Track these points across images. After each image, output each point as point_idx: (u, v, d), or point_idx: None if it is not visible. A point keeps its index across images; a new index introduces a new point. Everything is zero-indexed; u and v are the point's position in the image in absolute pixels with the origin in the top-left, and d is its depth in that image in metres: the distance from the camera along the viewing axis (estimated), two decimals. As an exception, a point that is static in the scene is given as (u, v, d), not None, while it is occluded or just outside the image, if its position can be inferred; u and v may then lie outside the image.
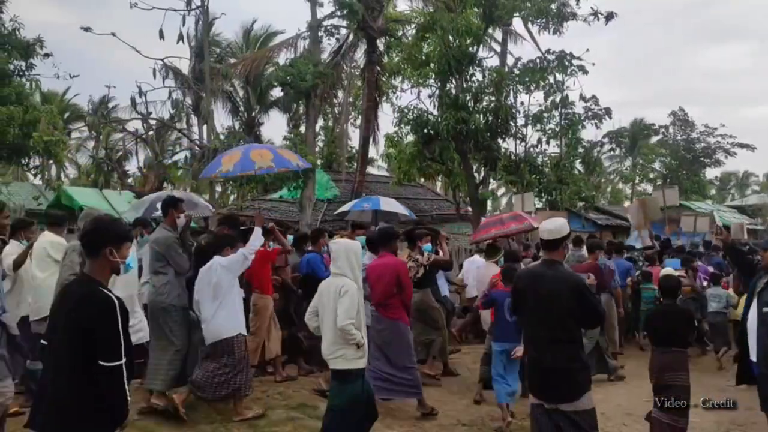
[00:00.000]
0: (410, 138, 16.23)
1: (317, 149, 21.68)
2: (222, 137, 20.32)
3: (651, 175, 36.46)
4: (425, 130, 15.31)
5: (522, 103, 15.78)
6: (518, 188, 15.41)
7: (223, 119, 26.30)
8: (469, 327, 10.44)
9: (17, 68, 14.00)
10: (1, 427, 4.84)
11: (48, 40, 14.10)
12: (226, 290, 5.93)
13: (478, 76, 15.49)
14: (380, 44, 18.39)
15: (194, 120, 24.47)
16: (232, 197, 33.33)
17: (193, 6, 13.75)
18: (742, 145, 33.32)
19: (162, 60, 14.11)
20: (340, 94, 22.55)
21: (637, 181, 36.79)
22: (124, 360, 2.96)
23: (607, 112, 16.51)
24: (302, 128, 22.34)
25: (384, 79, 19.21)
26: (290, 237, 8.82)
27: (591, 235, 14.26)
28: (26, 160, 14.64)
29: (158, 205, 7.37)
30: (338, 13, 15.96)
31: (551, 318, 4.26)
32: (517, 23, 18.20)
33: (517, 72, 15.66)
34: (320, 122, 22.90)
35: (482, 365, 7.16)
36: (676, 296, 5.96)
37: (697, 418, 6.22)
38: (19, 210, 14.20)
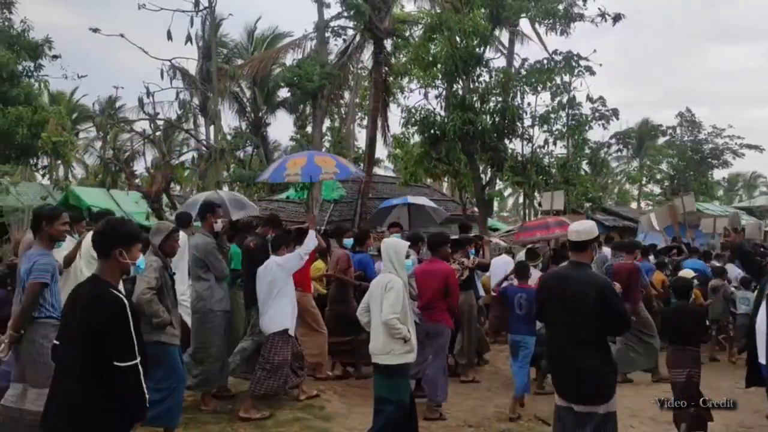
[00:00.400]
0: (417, 139, 16.23)
1: (324, 150, 21.70)
2: (229, 138, 20.41)
3: (658, 176, 36.32)
4: (432, 131, 15.29)
5: (529, 104, 15.74)
6: (525, 189, 15.38)
7: (230, 120, 26.44)
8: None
9: (26, 69, 14.08)
10: None
11: (54, 41, 14.20)
12: (280, 288, 6.27)
13: (485, 76, 15.46)
14: (387, 45, 18.40)
15: (201, 121, 24.61)
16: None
17: (201, 7, 13.78)
18: (750, 146, 33.13)
19: (170, 61, 14.15)
20: (346, 94, 22.58)
21: (644, 182, 36.64)
22: (139, 359, 2.97)
23: (615, 113, 16.49)
24: (309, 129, 22.39)
25: (391, 80, 19.22)
26: (347, 241, 8.98)
27: (608, 237, 14.19)
28: (34, 160, 14.72)
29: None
30: (345, 14, 15.98)
31: (576, 319, 4.24)
32: (523, 24, 18.22)
33: (524, 73, 15.63)
34: (327, 123, 22.94)
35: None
36: (689, 297, 6.15)
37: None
38: (27, 210, 14.26)
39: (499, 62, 18.33)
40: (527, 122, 15.77)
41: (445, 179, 24.09)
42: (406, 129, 15.97)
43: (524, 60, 16.24)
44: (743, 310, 9.59)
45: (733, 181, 47.98)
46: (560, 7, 14.56)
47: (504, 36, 19.73)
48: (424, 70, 15.31)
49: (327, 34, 16.62)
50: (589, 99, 16.08)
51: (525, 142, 15.99)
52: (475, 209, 17.44)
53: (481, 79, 15.43)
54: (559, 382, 4.49)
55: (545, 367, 7.07)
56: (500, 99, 15.26)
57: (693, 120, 34.11)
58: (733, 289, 10.19)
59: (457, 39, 14.47)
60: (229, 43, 26.11)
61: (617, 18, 14.83)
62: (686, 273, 8.25)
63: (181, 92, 17.37)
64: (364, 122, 23.86)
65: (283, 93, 22.95)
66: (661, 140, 37.53)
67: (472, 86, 15.29)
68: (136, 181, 17.55)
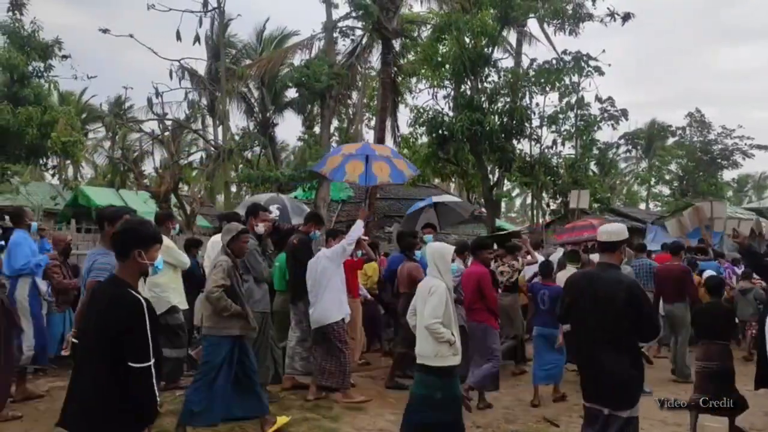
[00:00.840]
0: (425, 139, 16.22)
1: (331, 150, 21.72)
2: (237, 138, 20.46)
3: (667, 177, 36.13)
4: (440, 131, 15.30)
5: (537, 105, 15.75)
6: (533, 190, 15.34)
7: (237, 120, 26.48)
8: None
9: (36, 69, 14.14)
10: None
11: (63, 41, 14.25)
12: (329, 278, 6.58)
13: (494, 77, 15.48)
14: (396, 45, 18.39)
15: (209, 121, 24.68)
16: (246, 197, 33.56)
17: (210, 8, 13.82)
18: (760, 147, 32.92)
19: (179, 61, 14.21)
20: (354, 95, 22.57)
21: (652, 183, 36.42)
22: (152, 361, 2.99)
23: (624, 113, 16.47)
24: (317, 129, 22.39)
25: (400, 80, 19.20)
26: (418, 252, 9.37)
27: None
28: (44, 160, 14.78)
29: (272, 207, 7.66)
30: (353, 15, 15.95)
31: (608, 320, 4.20)
32: (531, 24, 18.18)
33: (532, 73, 15.61)
34: (335, 123, 22.92)
35: None
36: (721, 294, 6.57)
37: (715, 423, 6.17)
38: (36, 210, 14.35)
39: (507, 62, 18.34)
40: (535, 123, 15.81)
41: (453, 179, 24.08)
42: (414, 129, 15.99)
43: (533, 60, 16.25)
44: None
45: (742, 182, 47.63)
46: (569, 7, 14.53)
47: (512, 36, 19.70)
48: (433, 71, 15.31)
49: (335, 35, 16.60)
50: (598, 99, 16.05)
51: (533, 143, 15.99)
52: (483, 209, 17.43)
53: (489, 79, 15.44)
54: (586, 383, 4.45)
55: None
56: (508, 99, 15.26)
57: (703, 120, 33.92)
58: (762, 291, 10.22)
59: (466, 39, 14.47)
60: (238, 43, 26.16)
61: (627, 18, 14.79)
62: (709, 273, 8.44)
63: (190, 92, 17.50)
64: (372, 123, 23.82)
65: (291, 93, 22.93)
66: (671, 141, 37.35)
67: (480, 86, 15.29)
68: (145, 181, 17.66)
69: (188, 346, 7.26)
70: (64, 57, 14.37)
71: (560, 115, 15.51)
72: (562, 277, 9.06)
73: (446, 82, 15.65)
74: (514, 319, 8.50)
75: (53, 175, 19.61)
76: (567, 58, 15.15)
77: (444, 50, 15.38)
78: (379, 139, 19.35)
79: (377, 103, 20.43)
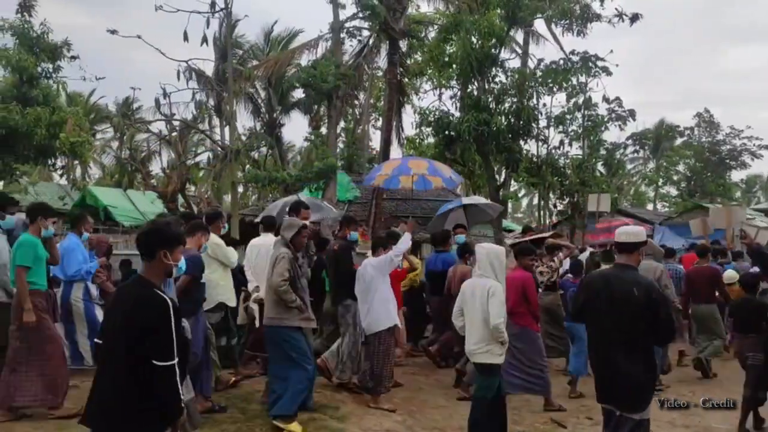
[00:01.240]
0: (431, 140, 16.21)
1: (338, 150, 21.73)
2: (244, 138, 20.50)
3: (675, 178, 35.99)
4: (446, 132, 15.27)
5: (544, 105, 15.69)
6: (540, 190, 15.30)
7: (244, 120, 26.56)
8: None
9: (45, 70, 14.19)
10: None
11: (72, 42, 14.29)
12: (377, 287, 6.75)
13: (501, 77, 15.43)
14: (402, 46, 18.38)
15: (216, 121, 24.72)
16: (253, 197, 33.63)
17: (217, 8, 13.83)
18: (768, 147, 32.78)
19: (186, 62, 14.22)
20: (361, 95, 22.59)
21: (660, 184, 36.28)
22: (177, 360, 3.02)
23: (631, 113, 16.35)
24: (323, 129, 22.42)
25: (406, 81, 19.18)
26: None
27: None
28: (52, 161, 14.81)
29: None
30: (360, 15, 15.95)
31: (624, 321, 4.18)
32: (539, 24, 18.14)
33: (539, 73, 15.57)
34: (341, 124, 22.95)
35: None
36: (756, 291, 6.85)
37: (721, 424, 6.15)
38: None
39: (514, 63, 18.31)
40: (542, 123, 15.73)
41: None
42: (420, 130, 15.96)
43: (540, 60, 16.20)
44: None
45: (751, 183, 47.39)
46: (577, 7, 14.49)
47: (518, 36, 19.66)
48: (439, 71, 15.29)
49: (342, 35, 16.61)
50: (606, 100, 15.99)
51: (540, 143, 15.93)
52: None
53: (496, 79, 15.40)
54: (600, 384, 4.42)
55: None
56: (515, 100, 15.22)
57: (711, 121, 33.79)
58: None
59: (473, 39, 14.45)
60: (245, 44, 26.20)
61: (635, 18, 14.72)
62: (730, 273, 8.63)
63: (197, 93, 17.48)
64: (379, 123, 23.86)
65: (298, 94, 22.97)
66: (679, 141, 37.19)
67: (487, 87, 15.26)
68: (152, 181, 17.71)
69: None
70: (73, 58, 14.39)
71: (567, 116, 15.43)
72: None
73: (453, 83, 15.60)
74: (557, 316, 8.51)
75: (61, 176, 19.68)
76: (575, 58, 15.10)
77: (451, 50, 15.35)
78: (386, 140, 19.37)
79: (384, 103, 20.45)
